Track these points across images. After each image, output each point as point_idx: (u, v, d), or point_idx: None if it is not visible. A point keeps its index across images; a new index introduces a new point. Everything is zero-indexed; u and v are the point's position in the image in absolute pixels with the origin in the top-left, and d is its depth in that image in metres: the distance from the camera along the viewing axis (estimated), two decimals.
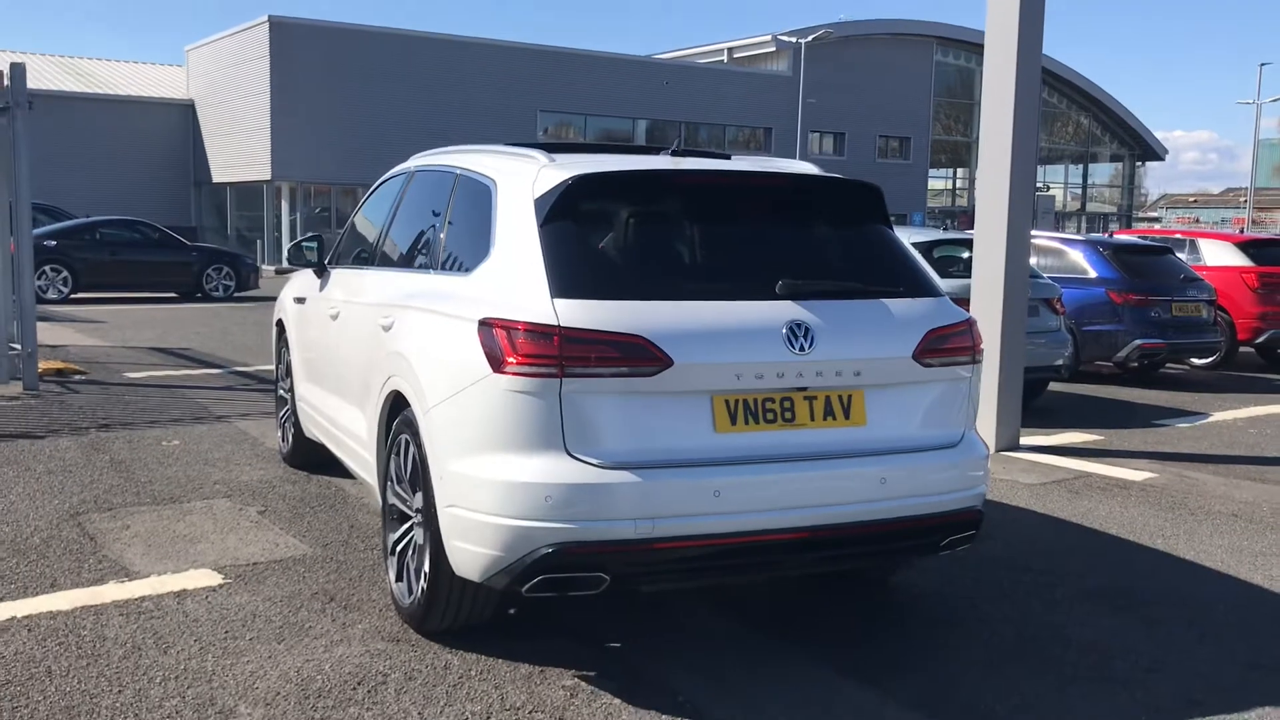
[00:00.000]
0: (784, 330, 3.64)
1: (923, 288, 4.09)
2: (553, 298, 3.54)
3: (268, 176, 36.43)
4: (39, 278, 18.97)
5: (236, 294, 22.05)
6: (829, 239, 4.19)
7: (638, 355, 3.48)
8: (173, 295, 21.62)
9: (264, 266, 29.26)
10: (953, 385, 3.99)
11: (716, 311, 3.65)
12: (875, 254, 4.16)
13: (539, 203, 3.80)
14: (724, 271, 3.89)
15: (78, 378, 10.24)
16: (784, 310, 3.69)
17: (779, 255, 3.96)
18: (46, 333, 12.08)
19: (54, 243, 20.00)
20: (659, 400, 3.53)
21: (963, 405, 4.03)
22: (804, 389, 3.68)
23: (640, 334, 3.49)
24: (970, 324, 4.08)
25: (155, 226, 22.19)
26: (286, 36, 35.73)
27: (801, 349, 3.64)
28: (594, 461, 3.46)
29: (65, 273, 20.19)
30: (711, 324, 3.61)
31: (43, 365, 10.02)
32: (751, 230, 4.04)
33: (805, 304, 3.72)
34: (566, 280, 3.60)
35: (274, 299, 7.39)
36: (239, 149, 37.84)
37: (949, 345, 3.95)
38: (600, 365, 3.46)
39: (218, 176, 39.72)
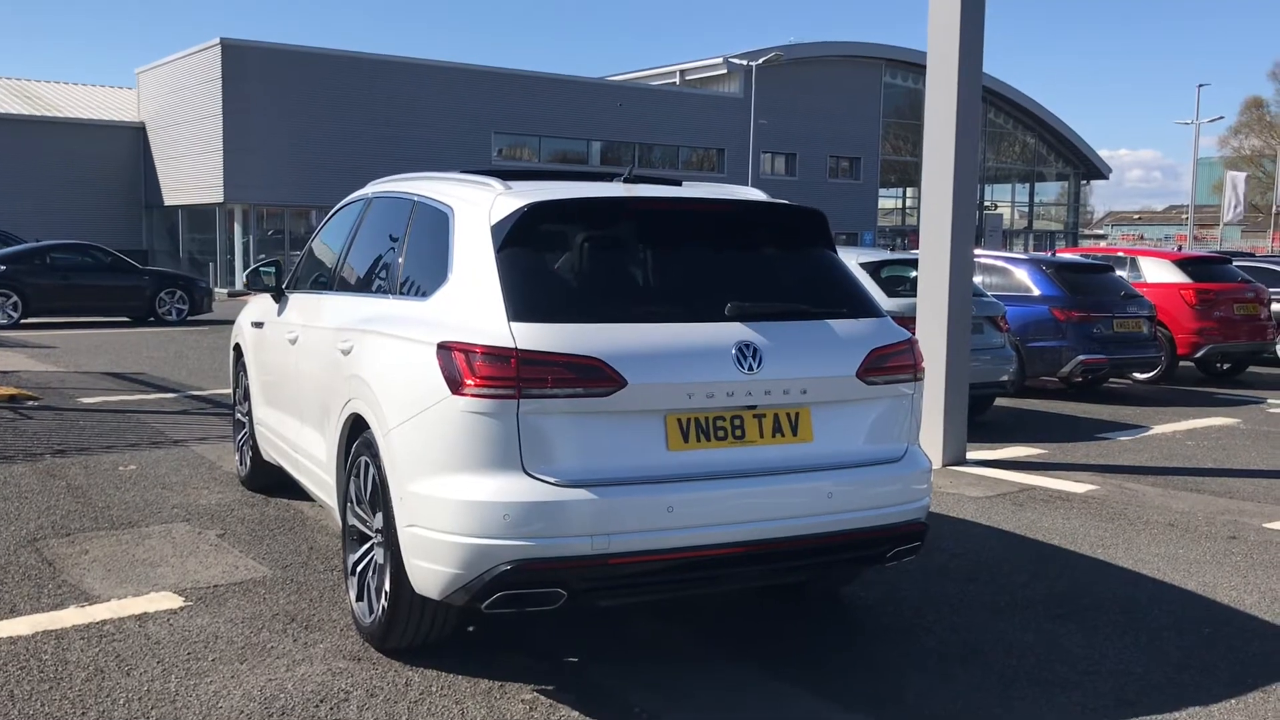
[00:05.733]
0: (733, 351, 3.78)
1: (865, 308, 4.24)
2: (509, 321, 3.65)
3: (220, 199, 36.21)
4: None
5: (190, 318, 21.87)
6: (775, 262, 4.34)
7: (593, 376, 3.60)
8: (125, 319, 21.43)
9: (217, 290, 29.07)
10: (896, 402, 4.14)
11: (668, 333, 3.78)
12: (819, 276, 4.32)
13: (495, 229, 3.92)
14: (675, 294, 4.02)
15: (31, 404, 10.17)
16: (733, 331, 3.83)
17: (728, 278, 4.10)
18: None
19: (3, 267, 19.79)
20: (614, 420, 3.65)
21: (906, 421, 4.19)
22: (753, 407, 3.82)
23: (595, 355, 3.61)
24: (911, 343, 4.24)
25: (107, 250, 21.97)
26: (239, 59, 35.57)
27: (750, 369, 3.78)
28: (551, 480, 3.57)
29: (15, 298, 19.95)
30: (663, 345, 3.73)
31: None
32: (701, 254, 4.17)
33: (753, 325, 3.86)
34: (523, 304, 3.71)
35: (228, 322, 7.43)
36: (191, 172, 37.56)
37: (891, 364, 4.11)
38: (557, 386, 3.58)
39: (169, 199, 39.39)
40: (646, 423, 3.68)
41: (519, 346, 3.58)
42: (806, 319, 4.08)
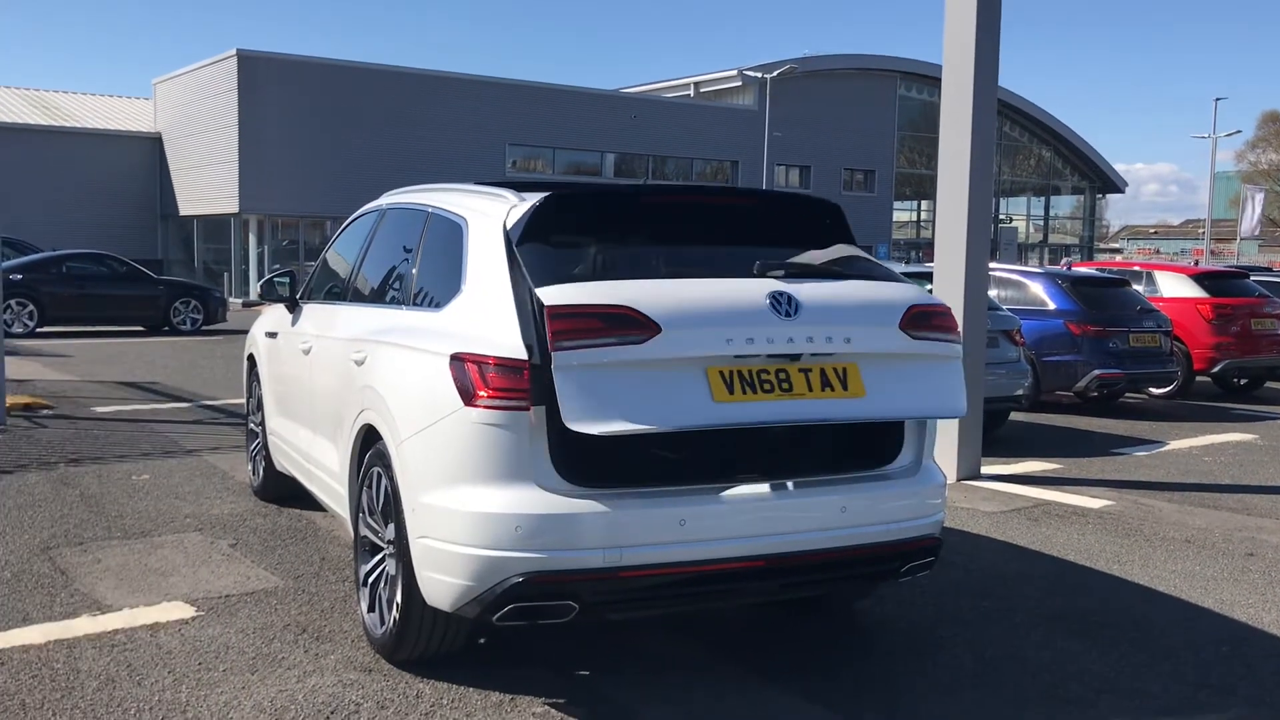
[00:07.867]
0: (767, 300, 3.69)
1: (895, 279, 4.15)
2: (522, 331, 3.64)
3: (235, 209, 36.37)
4: (4, 311, 18.89)
5: (204, 327, 21.94)
6: (796, 249, 4.24)
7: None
8: (140, 329, 21.52)
9: (232, 300, 29.17)
10: (944, 364, 3.99)
11: (699, 289, 3.71)
12: (844, 258, 4.20)
13: (509, 241, 3.91)
14: None
15: (45, 412, 10.21)
16: (765, 284, 3.75)
17: (750, 262, 4.00)
18: (13, 367, 12.03)
19: (20, 276, 19.86)
20: (650, 376, 3.56)
21: (956, 382, 4.01)
22: (797, 358, 3.68)
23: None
24: (949, 310, 4.12)
25: (122, 260, 22.06)
26: (254, 70, 35.77)
27: (787, 314, 3.68)
28: (563, 491, 3.55)
29: (31, 306, 20.05)
30: (695, 304, 3.65)
31: (10, 400, 9.99)
32: (719, 249, 4.13)
33: (786, 280, 3.80)
34: None
35: (242, 332, 7.45)
36: (207, 182, 37.76)
37: (933, 322, 3.98)
38: None
39: (185, 209, 39.59)
40: (684, 376, 3.56)
41: (531, 358, 3.56)
42: (839, 279, 3.99)
